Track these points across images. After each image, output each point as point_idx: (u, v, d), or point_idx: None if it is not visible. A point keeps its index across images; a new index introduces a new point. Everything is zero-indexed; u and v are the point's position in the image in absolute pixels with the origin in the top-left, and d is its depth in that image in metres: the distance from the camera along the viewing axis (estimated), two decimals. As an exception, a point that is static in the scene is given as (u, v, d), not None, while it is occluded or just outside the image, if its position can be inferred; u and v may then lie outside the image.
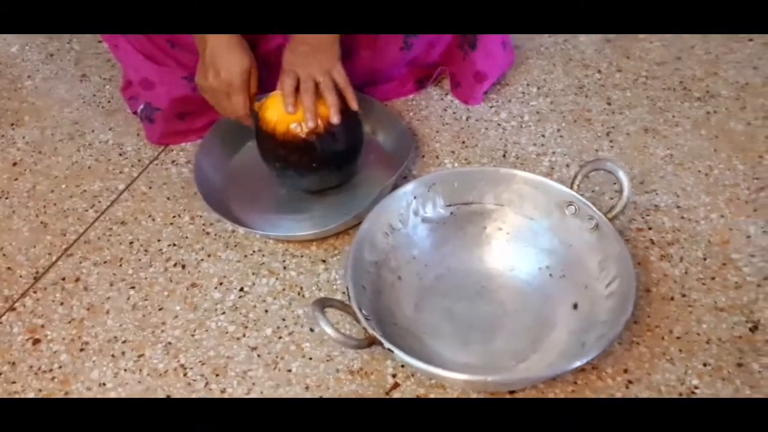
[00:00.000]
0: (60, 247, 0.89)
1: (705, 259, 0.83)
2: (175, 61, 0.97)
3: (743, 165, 0.94)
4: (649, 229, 0.87)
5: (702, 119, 1.02)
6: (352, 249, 0.74)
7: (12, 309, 0.82)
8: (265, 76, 0.90)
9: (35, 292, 0.84)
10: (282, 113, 0.83)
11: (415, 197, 0.82)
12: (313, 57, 0.83)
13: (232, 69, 0.83)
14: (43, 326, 0.80)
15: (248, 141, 0.97)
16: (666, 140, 0.99)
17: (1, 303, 0.83)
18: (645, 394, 0.71)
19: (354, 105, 0.85)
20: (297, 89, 0.82)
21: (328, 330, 0.62)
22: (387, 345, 0.64)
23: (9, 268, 0.87)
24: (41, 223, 0.93)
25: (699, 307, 0.78)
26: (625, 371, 0.73)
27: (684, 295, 0.79)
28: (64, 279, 0.85)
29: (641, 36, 1.18)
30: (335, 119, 0.82)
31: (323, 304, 0.65)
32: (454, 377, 0.66)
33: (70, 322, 0.80)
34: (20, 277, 0.86)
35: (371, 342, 0.65)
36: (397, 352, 0.63)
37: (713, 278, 0.81)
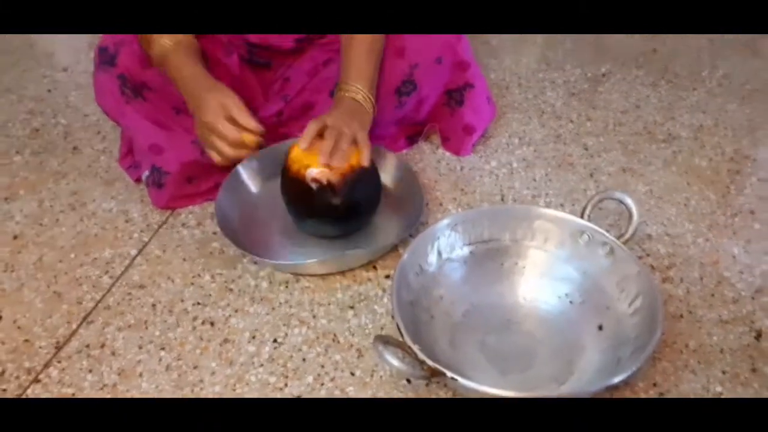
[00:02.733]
0: (78, 315, 0.87)
1: (701, 278, 0.91)
2: (181, 126, 1.00)
3: (714, 195, 1.05)
4: (648, 255, 0.94)
5: (670, 158, 1.13)
6: (393, 288, 0.77)
7: (36, 381, 0.79)
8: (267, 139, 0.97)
9: (59, 362, 0.81)
10: (304, 154, 0.87)
11: (438, 238, 0.86)
12: (347, 117, 0.89)
13: (207, 108, 0.90)
14: (73, 395, 0.77)
15: (264, 184, 1.02)
16: (643, 178, 1.09)
17: (24, 376, 0.79)
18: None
19: (365, 161, 0.89)
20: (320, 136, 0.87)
21: (395, 363, 0.64)
22: (450, 374, 0.67)
23: (27, 341, 0.84)
24: (54, 293, 0.90)
25: (706, 322, 0.85)
26: (655, 385, 0.78)
27: (691, 312, 0.86)
28: (88, 346, 0.83)
29: (600, 88, 1.31)
30: (335, 162, 0.85)
31: (383, 340, 0.67)
32: (510, 396, 0.68)
33: (102, 389, 0.78)
34: (40, 348, 0.83)
35: (433, 373, 0.67)
36: (461, 380, 0.66)
37: (713, 295, 0.88)
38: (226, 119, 0.91)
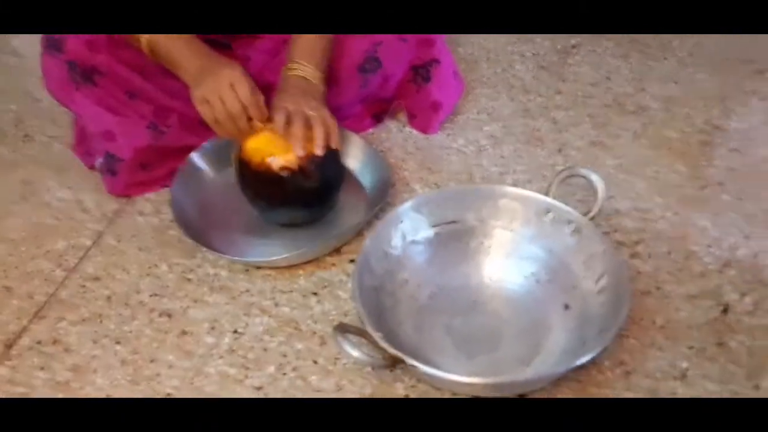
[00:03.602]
0: (29, 310, 0.84)
1: (670, 253, 0.89)
2: (134, 111, 0.96)
3: (684, 167, 1.03)
4: (615, 231, 0.93)
5: (640, 130, 1.11)
6: (355, 275, 0.75)
7: (-14, 381, 0.76)
8: None
9: (9, 360, 0.78)
10: (261, 144, 0.84)
11: (402, 221, 0.84)
12: (302, 98, 0.86)
13: (232, 63, 0.86)
14: (25, 395, 0.74)
15: (221, 171, 0.98)
16: (613, 151, 1.07)
17: (-29, 376, 0.77)
18: (644, 383, 0.75)
19: (336, 143, 0.87)
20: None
21: (355, 353, 0.63)
22: (410, 361, 0.65)
23: (-25, 339, 0.81)
24: (4, 287, 0.87)
25: (674, 298, 0.84)
26: (621, 363, 0.77)
27: (659, 288, 0.85)
28: (40, 342, 0.80)
29: (570, 60, 1.29)
30: (319, 151, 0.83)
31: (343, 329, 0.65)
32: (473, 382, 0.67)
33: (55, 386, 0.75)
34: (-11, 346, 0.80)
35: (395, 361, 0.65)
36: (421, 367, 0.64)
37: (681, 270, 0.87)
38: (246, 75, 0.86)
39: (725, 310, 0.82)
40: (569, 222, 0.81)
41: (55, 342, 0.80)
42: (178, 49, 0.88)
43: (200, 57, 0.88)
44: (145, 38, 0.88)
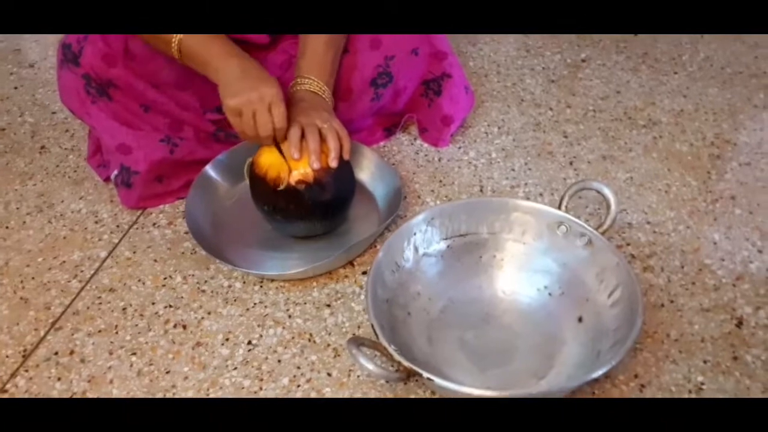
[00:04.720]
0: (46, 321, 0.84)
1: (682, 267, 0.89)
2: (149, 125, 0.97)
3: (695, 181, 1.04)
4: (628, 245, 0.93)
5: (651, 144, 1.12)
6: (368, 288, 0.75)
7: (3, 391, 0.77)
8: None
9: (26, 371, 0.79)
10: (274, 160, 0.85)
11: (414, 234, 0.84)
12: (313, 110, 0.87)
13: (271, 80, 0.83)
14: (41, 405, 0.75)
15: (235, 184, 1.00)
16: (624, 165, 1.07)
17: (-11, 386, 0.77)
18: (658, 396, 0.75)
19: (348, 155, 0.87)
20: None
21: (369, 366, 0.63)
22: (426, 375, 0.65)
23: (-8, 349, 0.81)
24: (21, 299, 0.88)
25: (687, 311, 0.84)
26: (636, 376, 0.77)
27: (672, 301, 0.85)
28: (56, 353, 0.80)
29: (580, 74, 1.29)
30: (333, 163, 0.84)
31: (357, 342, 0.65)
32: (488, 395, 0.66)
33: (71, 397, 0.76)
34: (6, 357, 0.80)
35: (409, 374, 0.66)
36: (438, 380, 0.64)
37: (693, 283, 0.87)
38: (281, 95, 0.83)
39: (739, 324, 0.82)
40: (582, 235, 0.82)
41: (71, 353, 0.81)
42: (214, 48, 0.85)
43: (239, 61, 0.85)
44: (177, 37, 0.85)
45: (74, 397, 0.76)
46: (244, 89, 0.82)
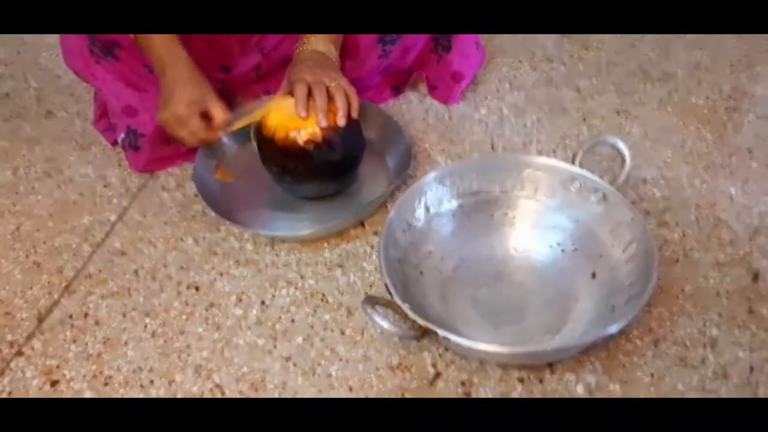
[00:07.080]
0: (59, 285, 0.85)
1: (698, 221, 0.88)
2: (155, 86, 0.96)
3: (711, 135, 1.01)
4: (642, 200, 0.91)
5: (666, 98, 1.09)
6: (381, 248, 0.74)
7: (20, 353, 0.77)
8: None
9: (42, 334, 0.79)
10: (283, 119, 0.83)
11: (425, 193, 0.83)
12: (319, 68, 0.85)
13: (180, 101, 0.84)
14: (58, 366, 0.76)
15: (243, 145, 0.97)
16: (638, 120, 1.05)
17: (6, 349, 0.78)
18: (673, 350, 0.74)
19: (356, 113, 0.86)
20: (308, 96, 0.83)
21: (385, 324, 0.63)
22: (441, 332, 0.65)
23: (8, 313, 0.82)
24: (33, 263, 0.88)
25: (703, 266, 0.83)
26: (650, 331, 0.76)
27: (686, 256, 0.84)
28: (71, 316, 0.81)
29: (593, 29, 1.26)
30: (342, 122, 0.83)
31: (372, 301, 0.65)
32: (502, 351, 0.67)
33: (87, 359, 0.76)
34: (22, 320, 0.81)
35: (424, 332, 0.65)
36: (453, 337, 0.64)
37: (709, 238, 0.86)
38: (199, 115, 0.85)
39: (755, 278, 0.81)
40: (596, 191, 0.80)
41: (86, 316, 0.81)
42: (157, 51, 0.86)
43: (173, 67, 0.85)
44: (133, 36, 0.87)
45: (89, 358, 0.77)
46: (169, 100, 0.84)
